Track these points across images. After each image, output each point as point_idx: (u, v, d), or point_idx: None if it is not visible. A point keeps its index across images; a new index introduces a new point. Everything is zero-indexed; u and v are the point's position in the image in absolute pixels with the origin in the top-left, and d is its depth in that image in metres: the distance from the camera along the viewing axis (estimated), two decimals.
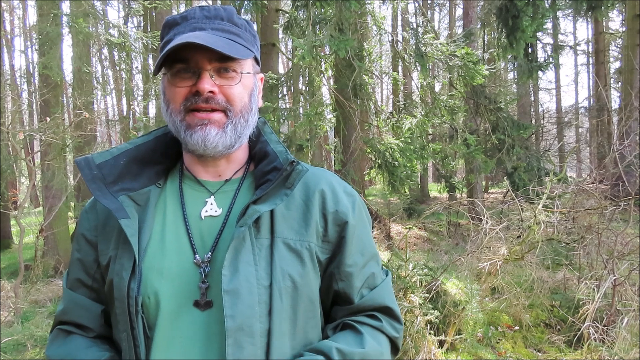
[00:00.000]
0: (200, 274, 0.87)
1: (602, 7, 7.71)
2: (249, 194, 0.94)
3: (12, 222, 10.52)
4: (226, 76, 0.89)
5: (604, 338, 3.36)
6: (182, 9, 13.31)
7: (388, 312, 0.97)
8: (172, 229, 0.91)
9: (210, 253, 0.88)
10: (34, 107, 13.84)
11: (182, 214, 0.93)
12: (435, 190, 16.36)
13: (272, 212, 0.90)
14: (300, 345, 0.89)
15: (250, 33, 0.95)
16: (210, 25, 0.90)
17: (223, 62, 0.88)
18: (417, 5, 8.23)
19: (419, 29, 6.12)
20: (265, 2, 6.16)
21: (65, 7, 7.84)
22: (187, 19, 0.91)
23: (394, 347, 0.97)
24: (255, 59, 0.97)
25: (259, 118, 1.00)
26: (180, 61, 0.88)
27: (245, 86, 0.92)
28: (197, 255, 0.88)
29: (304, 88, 7.48)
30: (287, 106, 7.00)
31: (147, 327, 0.86)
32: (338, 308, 0.96)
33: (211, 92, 0.87)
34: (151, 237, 0.90)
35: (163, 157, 0.99)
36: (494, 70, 6.14)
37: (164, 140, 0.99)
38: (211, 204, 0.93)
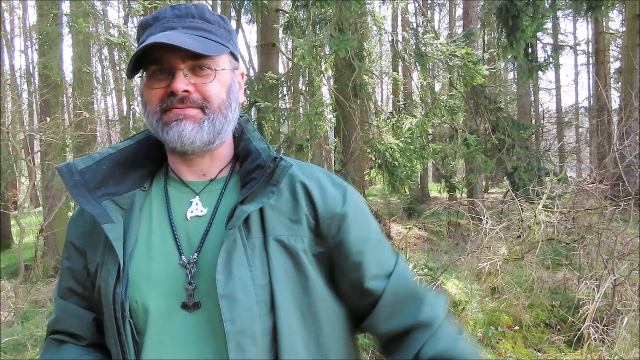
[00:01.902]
0: (187, 275, 0.85)
1: (602, 7, 7.72)
2: (235, 194, 0.93)
3: (12, 222, 10.52)
4: (201, 74, 0.87)
5: (604, 338, 3.36)
6: None
7: (422, 300, 0.93)
8: (158, 231, 0.90)
9: (196, 254, 0.87)
10: (34, 107, 13.83)
11: (167, 215, 0.91)
12: (435, 190, 16.36)
13: (261, 209, 0.88)
14: (314, 346, 0.87)
15: (224, 29, 0.93)
16: (181, 24, 0.88)
17: (196, 60, 0.86)
18: (417, 5, 8.24)
19: (419, 29, 6.13)
20: (265, 2, 6.17)
21: (65, 7, 7.85)
22: (159, 19, 0.89)
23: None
24: (232, 55, 0.95)
25: (241, 116, 0.99)
26: (154, 62, 0.86)
27: (221, 83, 0.90)
28: (182, 257, 0.87)
29: (304, 88, 7.48)
30: (287, 106, 7.01)
31: (135, 332, 0.85)
32: (361, 309, 0.93)
33: (186, 91, 0.86)
34: (137, 240, 0.89)
35: (147, 160, 0.97)
36: (494, 70, 6.15)
37: (146, 143, 0.97)
38: (196, 204, 0.92)
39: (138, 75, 0.90)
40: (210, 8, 1.04)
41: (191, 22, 0.89)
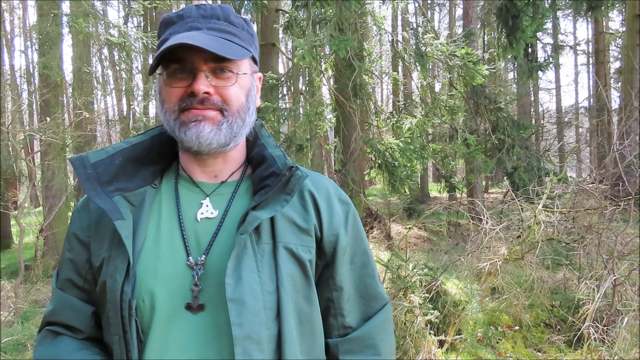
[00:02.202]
0: (193, 276, 0.85)
1: (602, 7, 7.72)
2: (246, 198, 0.92)
3: (12, 222, 10.52)
4: (222, 77, 0.88)
5: (604, 338, 3.36)
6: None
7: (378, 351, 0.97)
8: (167, 230, 0.90)
9: (204, 256, 0.87)
10: (34, 107, 13.85)
11: (177, 215, 0.91)
12: (435, 190, 16.36)
13: (272, 216, 0.88)
14: (307, 352, 0.89)
15: (247, 32, 0.93)
16: (206, 25, 0.88)
17: (219, 63, 0.86)
18: (417, 5, 8.23)
19: (419, 29, 6.13)
20: (265, 2, 6.17)
21: (65, 7, 7.85)
22: (183, 18, 0.89)
23: None
24: (253, 59, 0.95)
25: (256, 119, 0.99)
26: (176, 61, 0.86)
27: (241, 86, 0.90)
28: (190, 258, 0.86)
29: (304, 88, 7.48)
30: (287, 106, 7.01)
31: (140, 331, 0.84)
32: (331, 327, 0.96)
33: (207, 93, 0.86)
34: (146, 238, 0.88)
35: (159, 156, 0.97)
36: (494, 70, 6.15)
37: (159, 139, 0.97)
38: (207, 205, 0.92)
39: (158, 72, 0.90)
40: None
41: (216, 24, 0.89)
